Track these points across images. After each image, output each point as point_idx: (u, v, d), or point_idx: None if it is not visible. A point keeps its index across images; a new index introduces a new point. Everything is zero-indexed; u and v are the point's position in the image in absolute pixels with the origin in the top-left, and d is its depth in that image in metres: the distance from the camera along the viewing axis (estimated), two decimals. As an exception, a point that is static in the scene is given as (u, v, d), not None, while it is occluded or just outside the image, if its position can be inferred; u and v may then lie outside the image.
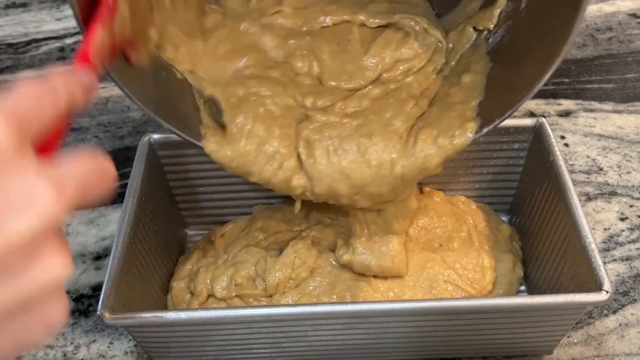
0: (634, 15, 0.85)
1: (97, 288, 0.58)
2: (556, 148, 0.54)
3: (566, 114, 0.72)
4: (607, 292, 0.45)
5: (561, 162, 0.53)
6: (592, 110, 0.73)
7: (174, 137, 0.56)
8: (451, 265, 0.53)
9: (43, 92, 0.31)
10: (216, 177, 0.59)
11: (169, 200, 0.59)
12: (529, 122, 0.57)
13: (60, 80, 0.33)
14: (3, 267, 0.27)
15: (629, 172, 0.66)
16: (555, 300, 0.46)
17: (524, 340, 0.50)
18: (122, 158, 0.69)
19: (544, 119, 0.56)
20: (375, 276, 0.52)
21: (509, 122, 0.57)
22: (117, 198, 0.65)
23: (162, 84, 0.47)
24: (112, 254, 0.48)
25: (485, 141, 0.58)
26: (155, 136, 0.56)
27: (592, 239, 0.48)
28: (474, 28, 0.51)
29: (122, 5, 0.41)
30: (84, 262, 0.60)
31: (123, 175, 0.68)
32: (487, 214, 0.59)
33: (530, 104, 0.74)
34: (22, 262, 0.27)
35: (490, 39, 0.50)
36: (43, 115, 0.31)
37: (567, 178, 0.52)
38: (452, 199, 0.60)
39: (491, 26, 0.50)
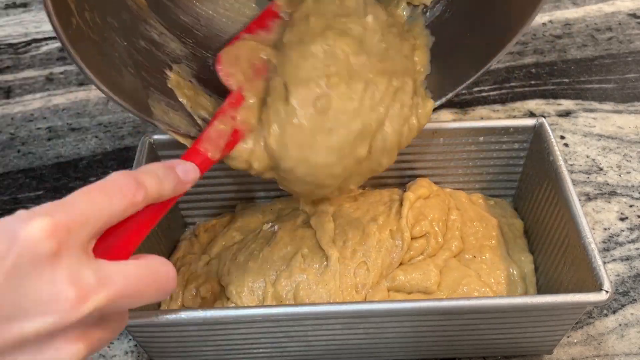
0: (634, 15, 0.85)
1: (97, 288, 0.58)
2: (556, 148, 0.54)
3: (566, 114, 0.72)
4: (607, 292, 0.45)
5: (561, 162, 0.53)
6: (592, 110, 0.73)
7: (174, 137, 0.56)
8: (486, 281, 0.53)
9: (103, 195, 0.34)
10: (217, 177, 0.59)
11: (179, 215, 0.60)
12: (529, 122, 0.57)
13: (148, 175, 0.37)
14: (17, 352, 0.31)
15: (629, 172, 0.66)
16: (555, 300, 0.46)
17: (523, 340, 0.50)
18: (122, 158, 0.70)
19: (543, 119, 0.56)
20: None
21: (508, 122, 0.58)
22: (117, 198, 0.65)
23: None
24: None
25: (485, 141, 0.58)
26: (156, 136, 0.56)
27: (592, 239, 0.48)
28: (409, 3, 0.52)
29: (249, 97, 0.43)
30: (84, 262, 0.60)
31: (123, 175, 0.68)
32: (503, 209, 0.60)
33: (530, 104, 0.74)
34: (34, 349, 0.31)
35: (428, 13, 0.51)
36: (99, 219, 0.33)
37: (567, 178, 0.52)
38: (472, 197, 0.60)
39: (428, 2, 0.51)
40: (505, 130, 0.57)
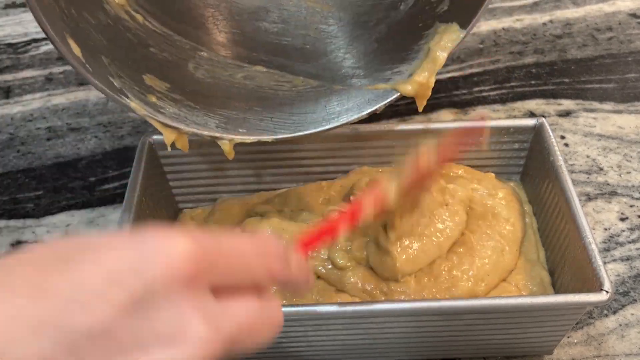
0: (634, 15, 0.85)
1: (96, 288, 0.58)
2: (556, 148, 0.54)
3: (566, 114, 0.72)
4: (607, 292, 0.45)
5: (561, 162, 0.53)
6: (592, 110, 0.73)
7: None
8: (522, 289, 0.53)
9: (250, 252, 0.31)
10: (216, 177, 0.59)
11: (169, 200, 0.59)
12: (529, 122, 0.57)
13: (274, 253, 0.32)
14: None
15: (629, 172, 0.66)
16: (555, 301, 0.46)
17: (524, 340, 0.50)
18: (121, 158, 0.69)
19: (544, 119, 0.56)
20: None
21: (509, 122, 0.58)
22: (117, 198, 0.65)
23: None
24: None
25: (486, 141, 0.58)
26: (155, 137, 0.56)
27: (593, 239, 0.48)
28: None
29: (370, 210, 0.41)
30: (84, 262, 0.60)
31: (122, 176, 0.68)
32: (517, 193, 0.59)
33: (531, 104, 0.74)
34: None
35: None
36: (235, 271, 0.30)
37: (567, 178, 0.52)
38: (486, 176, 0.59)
39: None
40: (506, 130, 0.57)
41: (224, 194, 0.60)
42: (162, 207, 0.57)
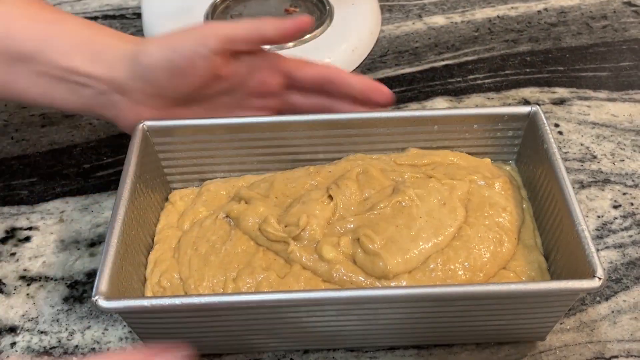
0: (629, 4, 0.85)
1: (91, 274, 0.58)
2: (550, 136, 0.54)
3: (560, 102, 0.72)
4: (600, 279, 0.45)
5: (555, 150, 0.53)
6: (586, 99, 0.73)
7: (168, 123, 0.57)
8: (520, 275, 0.52)
9: None
10: (211, 164, 0.59)
11: (164, 186, 0.59)
12: (523, 109, 0.57)
13: None
14: None
15: (623, 160, 0.66)
16: (548, 287, 0.46)
17: (516, 326, 0.50)
18: (116, 145, 0.69)
19: (538, 106, 0.57)
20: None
21: (503, 109, 0.58)
22: (111, 185, 0.65)
23: None
24: (106, 239, 0.48)
25: (480, 128, 0.58)
26: (149, 123, 0.56)
27: (586, 226, 0.48)
28: None
29: None
30: (79, 249, 0.60)
31: (117, 162, 0.68)
32: (514, 179, 0.58)
33: (525, 92, 0.74)
34: None
35: None
36: None
37: (561, 165, 0.52)
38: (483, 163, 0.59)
39: None
40: (500, 117, 0.57)
41: (216, 173, 0.60)
42: (156, 192, 0.57)
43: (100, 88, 0.56)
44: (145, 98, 0.56)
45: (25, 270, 0.59)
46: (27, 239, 0.61)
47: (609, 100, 0.73)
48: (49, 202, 0.64)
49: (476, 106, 0.72)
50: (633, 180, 0.64)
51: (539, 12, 0.85)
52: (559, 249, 0.51)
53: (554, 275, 0.51)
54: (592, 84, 0.74)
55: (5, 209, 0.64)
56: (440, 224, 0.52)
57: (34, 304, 0.56)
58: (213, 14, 0.79)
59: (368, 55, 0.79)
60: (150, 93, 0.56)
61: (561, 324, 0.53)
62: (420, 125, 0.58)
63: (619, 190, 0.63)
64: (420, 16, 0.85)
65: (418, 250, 0.51)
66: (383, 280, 0.50)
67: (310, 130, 0.58)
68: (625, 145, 0.67)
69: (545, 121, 0.55)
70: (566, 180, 0.51)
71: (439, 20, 0.84)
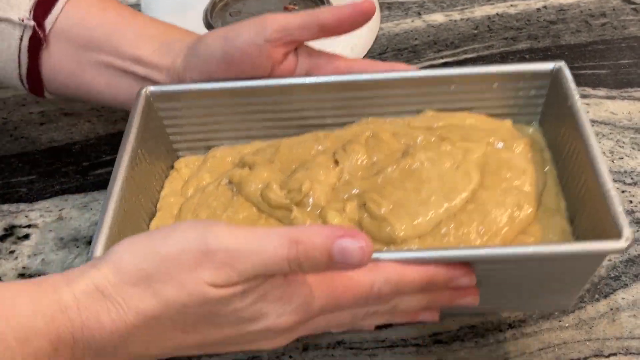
0: (628, 1, 0.85)
1: (90, 272, 0.58)
2: (576, 92, 0.51)
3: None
4: (627, 239, 0.41)
5: (580, 107, 0.50)
6: (585, 96, 0.73)
7: (172, 88, 0.55)
8: (541, 240, 0.49)
9: None
10: (218, 130, 0.58)
11: (169, 154, 0.58)
12: (546, 66, 0.54)
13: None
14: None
15: (622, 158, 0.66)
16: (569, 249, 0.43)
17: (538, 295, 0.48)
18: (115, 142, 0.69)
19: (562, 62, 0.54)
20: None
21: (525, 66, 0.55)
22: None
23: None
24: (102, 204, 0.47)
25: (500, 87, 0.55)
26: (152, 88, 0.55)
27: (612, 185, 0.45)
28: None
29: None
30: (78, 247, 0.60)
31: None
32: (536, 142, 0.55)
33: (524, 90, 0.74)
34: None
35: None
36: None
37: (587, 123, 0.48)
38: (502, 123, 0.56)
39: None
40: (522, 75, 0.54)
41: (224, 140, 0.58)
42: (160, 157, 0.56)
43: (160, 80, 0.56)
44: None
45: (24, 267, 0.59)
46: (26, 236, 0.61)
47: (608, 98, 0.73)
48: (48, 199, 0.64)
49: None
50: (632, 178, 0.64)
51: (538, 9, 0.85)
52: (583, 211, 0.48)
53: (580, 238, 0.48)
54: (591, 82, 0.74)
55: (4, 207, 0.64)
56: (452, 187, 0.50)
57: None
58: (212, 11, 0.79)
59: (367, 53, 0.79)
60: (203, 82, 0.56)
61: (560, 321, 0.53)
62: (436, 85, 0.55)
63: (618, 188, 0.63)
64: (419, 14, 0.85)
65: (428, 215, 0.48)
66: (391, 246, 0.47)
67: (320, 93, 0.56)
68: (624, 143, 0.67)
69: (570, 77, 0.52)
70: (592, 138, 0.47)
71: (438, 18, 0.84)
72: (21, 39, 0.56)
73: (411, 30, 0.83)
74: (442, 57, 0.79)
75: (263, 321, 0.39)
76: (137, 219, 0.51)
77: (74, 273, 0.37)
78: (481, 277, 0.43)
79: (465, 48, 0.80)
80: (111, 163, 0.67)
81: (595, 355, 0.51)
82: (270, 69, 0.54)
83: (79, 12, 0.57)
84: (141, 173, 0.52)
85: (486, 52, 0.79)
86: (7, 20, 0.56)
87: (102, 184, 0.65)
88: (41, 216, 0.63)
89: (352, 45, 0.77)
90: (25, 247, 0.60)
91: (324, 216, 0.49)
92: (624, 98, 0.72)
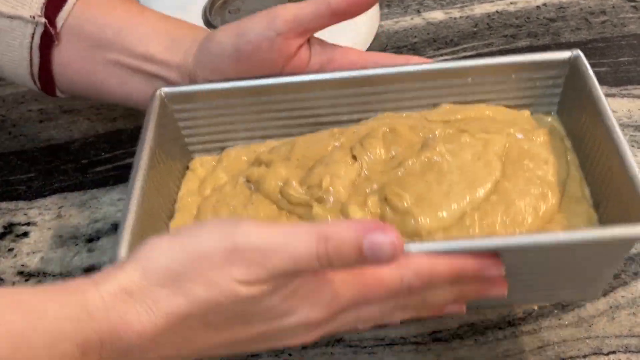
0: (628, -1, 0.85)
1: (89, 270, 0.58)
2: (594, 79, 0.51)
3: (559, 97, 0.72)
4: None
5: (600, 94, 0.49)
6: (585, 94, 0.73)
7: (187, 89, 0.55)
8: (568, 228, 0.48)
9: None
10: (232, 130, 0.57)
11: (185, 154, 0.58)
12: (563, 54, 0.53)
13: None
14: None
15: (621, 156, 0.66)
16: (603, 235, 0.42)
17: (566, 283, 0.47)
18: (114, 140, 0.69)
19: (579, 51, 0.53)
20: None
21: (542, 56, 0.54)
22: (110, 180, 0.65)
23: None
24: (123, 206, 0.47)
25: (517, 78, 0.55)
26: (167, 89, 0.54)
27: (638, 170, 0.44)
28: None
29: None
30: (77, 245, 0.60)
31: (115, 158, 0.68)
32: (556, 130, 0.55)
33: (524, 88, 0.74)
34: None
35: None
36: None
37: (608, 110, 0.48)
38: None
39: None
40: (539, 65, 0.54)
41: (238, 139, 0.58)
42: (176, 158, 0.56)
43: (172, 78, 0.56)
44: None
45: (23, 265, 0.59)
46: (25, 234, 0.61)
47: (608, 95, 0.72)
48: (47, 197, 0.64)
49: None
50: (631, 176, 0.64)
51: (538, 7, 0.85)
52: (609, 198, 0.47)
53: (604, 223, 0.48)
54: (590, 80, 0.74)
55: (3, 205, 0.64)
56: (474, 178, 0.49)
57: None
58: (211, 8, 0.79)
59: (366, 50, 0.78)
60: (217, 80, 0.55)
61: (559, 319, 0.53)
62: (452, 78, 0.54)
63: (617, 186, 0.63)
64: (419, 11, 0.85)
65: (451, 207, 0.47)
66: (416, 239, 0.47)
67: (335, 89, 0.55)
68: (623, 140, 0.67)
69: (587, 65, 0.52)
70: (615, 124, 0.47)
71: (437, 15, 0.84)
72: (32, 37, 0.56)
73: (410, 28, 0.83)
74: (441, 55, 0.78)
75: (293, 317, 0.38)
76: (156, 219, 0.51)
77: (101, 275, 0.37)
78: (508, 268, 0.42)
79: (464, 46, 0.80)
80: (110, 161, 0.67)
81: (595, 353, 0.51)
82: (282, 63, 0.54)
83: (89, 9, 0.57)
84: (159, 174, 0.52)
85: (486, 50, 0.79)
86: (19, 18, 0.55)
87: (101, 182, 0.65)
88: (40, 214, 0.63)
89: (351, 43, 0.77)
90: (24, 245, 0.60)
91: (346, 211, 0.49)
92: (623, 96, 0.72)
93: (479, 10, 0.85)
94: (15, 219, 0.62)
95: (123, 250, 0.44)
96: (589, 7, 0.84)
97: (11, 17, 0.55)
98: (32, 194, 0.65)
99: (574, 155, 0.52)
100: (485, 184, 0.49)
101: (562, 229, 0.47)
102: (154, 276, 0.36)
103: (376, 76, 0.54)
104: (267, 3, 0.81)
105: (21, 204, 0.64)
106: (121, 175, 0.66)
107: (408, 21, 0.84)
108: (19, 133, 0.71)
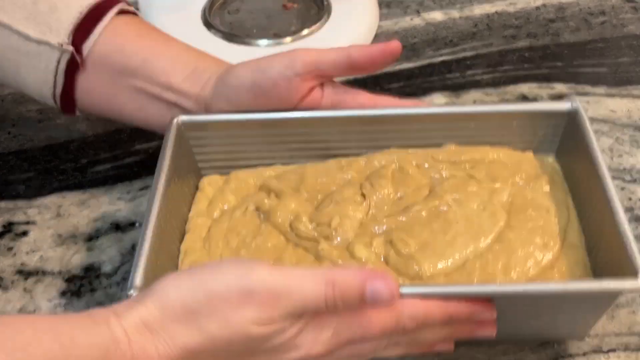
0: (627, 0, 0.85)
1: (88, 269, 0.58)
2: (591, 132, 0.53)
3: (559, 97, 0.72)
4: None
5: (596, 147, 0.51)
6: (584, 94, 0.73)
7: (203, 118, 0.57)
8: (565, 274, 0.50)
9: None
10: (242, 158, 0.59)
11: (196, 177, 0.59)
12: (563, 106, 0.56)
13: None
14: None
15: (621, 156, 0.66)
16: (590, 287, 0.45)
17: (555, 326, 0.49)
18: (113, 140, 0.69)
19: (577, 101, 0.55)
20: None
21: (543, 106, 0.57)
22: (108, 180, 0.65)
23: None
24: (141, 234, 0.48)
25: (518, 124, 0.57)
26: (184, 118, 0.56)
27: (628, 226, 0.46)
28: None
29: None
30: (76, 244, 0.60)
31: (114, 158, 0.68)
32: (557, 175, 0.56)
33: (523, 88, 0.74)
34: None
35: None
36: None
37: (602, 164, 0.50)
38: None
39: None
40: (540, 114, 0.56)
41: (247, 161, 0.59)
42: (188, 181, 0.57)
43: (189, 106, 0.57)
44: None
45: (22, 264, 0.59)
46: (25, 233, 0.61)
47: (608, 95, 0.72)
48: (46, 196, 0.64)
49: (475, 102, 0.72)
50: (631, 176, 0.64)
51: (538, 7, 0.85)
52: (600, 246, 0.50)
53: (595, 272, 0.50)
54: (590, 80, 0.74)
55: (3, 204, 0.64)
56: (479, 228, 0.51)
57: (31, 298, 0.56)
58: (210, 9, 0.79)
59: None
60: (231, 112, 0.57)
61: (559, 318, 0.53)
62: (456, 122, 0.57)
63: (617, 186, 0.63)
64: (418, 12, 0.85)
65: (455, 256, 0.50)
66: (417, 281, 0.49)
67: (344, 126, 0.57)
68: (623, 140, 0.67)
69: (585, 117, 0.54)
70: (608, 179, 0.49)
71: (437, 16, 0.84)
72: (58, 62, 0.57)
73: (410, 29, 0.83)
74: (440, 55, 0.78)
75: (296, 352, 0.42)
76: (169, 242, 0.52)
77: (121, 308, 0.40)
78: (500, 310, 0.45)
79: (464, 46, 0.80)
80: (109, 160, 0.67)
81: (594, 352, 0.51)
82: (296, 101, 0.56)
83: (116, 38, 0.58)
84: (172, 198, 0.53)
85: (485, 51, 0.79)
86: (46, 44, 0.56)
87: (100, 182, 0.65)
88: (39, 213, 0.63)
89: (350, 43, 0.76)
90: (24, 244, 0.60)
91: (352, 250, 0.51)
92: (623, 96, 0.72)
93: (478, 10, 0.85)
94: (15, 218, 0.62)
95: (138, 279, 0.46)
96: (589, 7, 0.84)
97: (39, 42, 0.56)
98: (32, 193, 0.64)
99: (570, 198, 0.55)
100: (490, 234, 0.51)
101: (560, 276, 0.50)
102: (171, 311, 0.39)
103: (384, 116, 0.57)
104: (266, 4, 0.81)
105: (20, 203, 0.64)
106: (120, 175, 0.66)
107: (407, 22, 0.84)
108: (18, 133, 0.71)
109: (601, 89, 0.73)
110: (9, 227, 0.62)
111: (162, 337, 0.39)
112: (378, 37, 0.81)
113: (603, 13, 0.83)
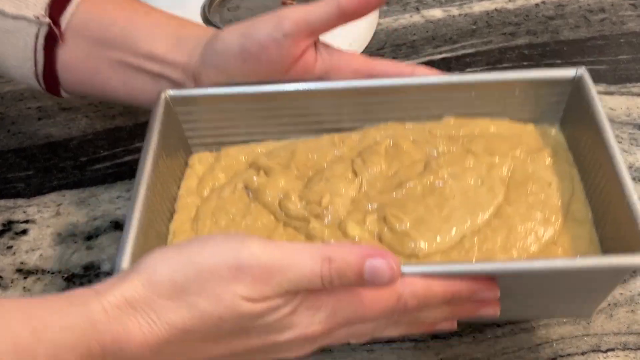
0: (627, -3, 0.85)
1: (88, 268, 0.58)
2: (597, 100, 0.50)
3: (558, 95, 0.72)
4: None
5: (603, 116, 0.49)
6: (584, 92, 0.73)
7: (191, 92, 0.55)
8: (569, 250, 0.49)
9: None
10: (233, 134, 0.57)
11: (185, 153, 0.57)
12: (568, 72, 0.53)
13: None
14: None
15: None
16: (597, 264, 0.43)
17: (562, 303, 0.48)
18: (113, 138, 0.69)
19: (584, 68, 0.53)
20: None
21: (547, 73, 0.54)
22: (108, 178, 0.65)
23: None
24: (127, 215, 0.46)
25: (522, 93, 0.54)
26: (172, 92, 0.54)
27: (637, 198, 0.44)
28: None
29: None
30: (75, 242, 0.60)
31: (114, 156, 0.68)
32: (560, 147, 0.54)
33: (523, 85, 0.74)
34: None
35: None
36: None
37: (610, 133, 0.48)
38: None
39: None
40: (543, 82, 0.54)
41: (238, 137, 0.58)
42: (177, 157, 0.56)
43: (176, 77, 0.55)
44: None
45: (22, 263, 0.59)
46: (24, 232, 0.61)
47: (607, 93, 0.72)
48: (46, 195, 0.64)
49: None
50: (630, 174, 0.64)
51: (537, 5, 0.85)
52: (608, 219, 0.48)
53: (604, 244, 0.48)
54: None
55: (2, 202, 0.64)
56: (476, 203, 0.49)
57: (30, 297, 0.56)
58: (210, 6, 0.79)
59: (365, 48, 0.78)
60: (222, 82, 0.55)
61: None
62: (456, 91, 0.54)
63: (616, 184, 0.63)
64: (418, 9, 0.85)
65: (451, 232, 0.48)
66: (413, 260, 0.47)
67: (338, 98, 0.55)
68: (622, 138, 0.67)
69: (591, 85, 0.52)
70: (616, 149, 0.47)
71: (436, 13, 0.84)
72: (37, 37, 0.56)
73: (409, 26, 0.83)
74: (440, 53, 0.78)
75: (291, 332, 0.39)
76: (158, 222, 0.51)
77: (103, 286, 0.37)
78: (503, 288, 0.43)
79: (463, 43, 0.80)
80: (109, 158, 0.67)
81: (593, 351, 0.51)
82: (289, 65, 0.53)
83: (94, 9, 0.57)
84: (161, 175, 0.51)
85: (485, 48, 0.79)
86: (22, 18, 0.55)
87: (100, 180, 0.65)
88: (39, 211, 0.63)
89: (350, 40, 0.77)
90: (23, 243, 0.60)
91: (344, 228, 0.49)
92: (622, 94, 0.72)
93: (477, 8, 0.85)
94: (14, 217, 0.62)
95: (126, 256, 0.44)
96: (588, 4, 0.84)
97: (15, 17, 0.55)
98: (31, 191, 0.64)
99: (575, 170, 0.52)
100: (487, 209, 0.49)
101: (564, 251, 0.48)
102: (158, 288, 0.37)
103: (380, 87, 0.54)
104: (265, 1, 0.81)
105: (20, 201, 0.64)
106: (120, 173, 0.66)
107: (407, 19, 0.84)
108: (17, 130, 0.71)
109: (600, 87, 0.73)
110: (8, 225, 0.62)
111: (147, 315, 0.36)
112: (377, 34, 0.81)
113: (602, 10, 0.83)
